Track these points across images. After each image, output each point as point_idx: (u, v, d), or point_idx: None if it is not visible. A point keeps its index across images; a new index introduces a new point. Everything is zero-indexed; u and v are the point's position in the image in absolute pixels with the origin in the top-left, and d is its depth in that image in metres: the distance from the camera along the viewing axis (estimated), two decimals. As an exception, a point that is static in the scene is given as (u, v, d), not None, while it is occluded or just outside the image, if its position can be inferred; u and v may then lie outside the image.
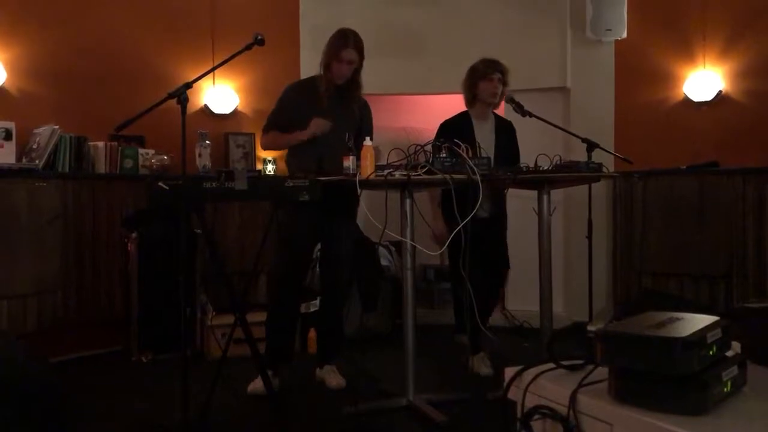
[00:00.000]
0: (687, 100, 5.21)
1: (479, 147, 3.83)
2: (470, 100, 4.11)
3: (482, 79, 4.01)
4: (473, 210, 3.11)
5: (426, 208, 3.88)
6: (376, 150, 3.31)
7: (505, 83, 4.04)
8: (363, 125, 3.76)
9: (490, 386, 3.59)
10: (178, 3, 5.28)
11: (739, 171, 4.66)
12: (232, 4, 5.43)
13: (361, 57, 3.65)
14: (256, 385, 3.48)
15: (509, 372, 1.80)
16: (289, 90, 3.75)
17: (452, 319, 4.33)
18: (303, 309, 4.34)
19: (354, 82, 3.69)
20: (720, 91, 5.11)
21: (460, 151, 3.20)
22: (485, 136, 4.04)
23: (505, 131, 4.17)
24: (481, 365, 4.04)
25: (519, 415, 1.70)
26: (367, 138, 3.27)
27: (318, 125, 3.54)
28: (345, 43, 3.59)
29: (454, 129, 3.94)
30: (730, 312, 1.77)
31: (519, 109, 3.98)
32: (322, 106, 3.63)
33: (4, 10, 4.55)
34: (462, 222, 3.10)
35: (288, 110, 3.70)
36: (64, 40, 4.76)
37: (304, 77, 4.10)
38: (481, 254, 3.85)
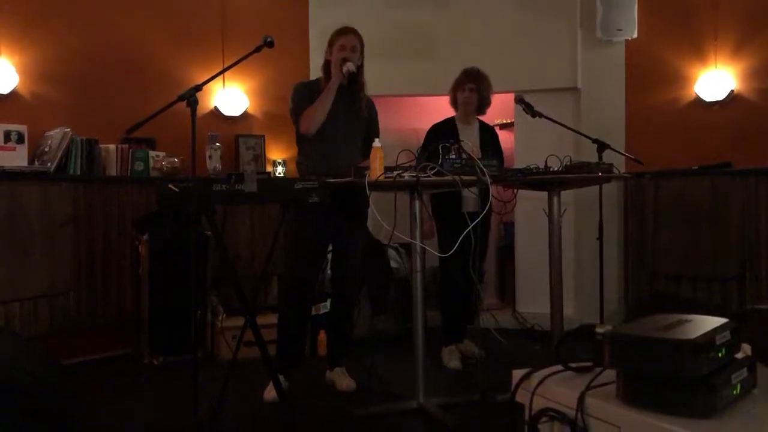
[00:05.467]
0: (698, 100, 5.18)
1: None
2: (454, 106, 4.38)
3: (457, 89, 4.31)
4: (482, 212, 3.12)
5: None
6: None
7: (479, 91, 4.26)
8: (371, 126, 3.76)
9: (500, 388, 3.57)
10: (188, 6, 5.31)
11: (751, 171, 4.61)
12: (242, 7, 5.45)
13: (362, 50, 3.66)
14: (272, 392, 3.44)
15: (517, 374, 1.79)
16: (301, 88, 3.72)
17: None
18: (313, 311, 4.34)
19: (358, 81, 3.69)
20: (732, 91, 5.08)
21: (470, 153, 3.19)
22: (469, 139, 4.11)
23: (488, 135, 4.38)
24: (452, 359, 4.20)
25: (527, 418, 1.69)
26: (376, 139, 3.27)
27: (338, 69, 3.50)
28: (344, 31, 3.62)
29: (441, 132, 4.16)
30: (740, 314, 1.75)
31: (529, 109, 3.98)
32: (330, 109, 3.62)
33: (16, 15, 4.58)
34: (471, 223, 3.10)
35: (306, 99, 3.64)
36: (75, 43, 4.79)
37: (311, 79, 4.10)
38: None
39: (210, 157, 4.86)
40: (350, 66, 3.50)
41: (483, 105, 4.30)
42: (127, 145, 4.80)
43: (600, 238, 4.55)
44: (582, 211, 5.22)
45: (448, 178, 3.08)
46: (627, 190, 5.15)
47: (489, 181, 3.11)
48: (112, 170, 4.73)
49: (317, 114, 3.55)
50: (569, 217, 4.78)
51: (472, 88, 4.25)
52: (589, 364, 1.73)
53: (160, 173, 4.81)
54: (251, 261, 4.81)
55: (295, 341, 3.75)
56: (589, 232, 4.82)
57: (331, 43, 3.64)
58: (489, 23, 5.57)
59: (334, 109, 3.60)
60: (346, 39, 3.60)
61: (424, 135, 4.33)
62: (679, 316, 1.62)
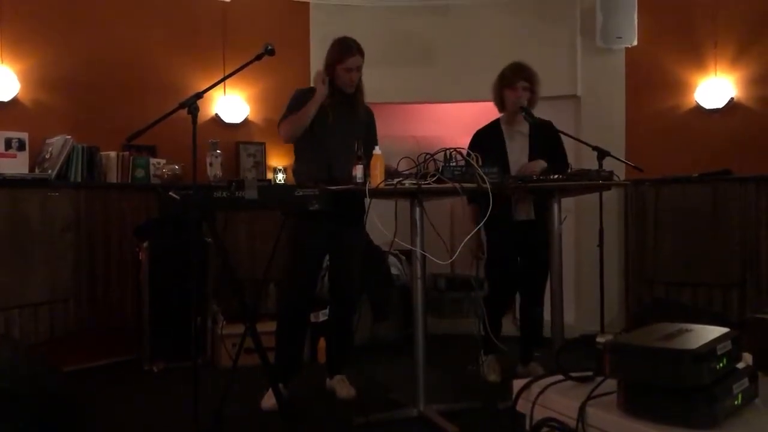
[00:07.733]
0: (698, 108, 5.18)
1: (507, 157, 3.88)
2: (500, 107, 4.11)
3: (507, 87, 4.00)
4: (485, 216, 3.11)
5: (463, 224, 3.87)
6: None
7: (533, 91, 3.98)
8: (369, 133, 3.76)
9: (501, 395, 3.57)
10: (189, 14, 5.32)
11: (751, 179, 4.61)
12: (243, 15, 5.46)
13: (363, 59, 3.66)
14: (270, 401, 3.43)
15: (518, 384, 1.79)
16: (299, 93, 3.72)
17: (464, 328, 4.28)
18: (312, 318, 4.35)
19: (358, 88, 3.69)
20: (732, 98, 5.08)
21: (471, 161, 3.19)
22: (517, 143, 4.05)
23: (542, 133, 4.03)
24: (491, 371, 4.06)
25: (527, 427, 1.69)
26: (377, 147, 3.28)
27: (318, 80, 3.50)
28: (350, 51, 3.58)
29: (486, 139, 4.01)
30: (741, 323, 1.75)
31: (529, 117, 3.97)
32: (327, 117, 3.61)
33: (17, 22, 4.59)
34: (476, 227, 3.10)
35: (302, 105, 3.62)
36: (76, 51, 4.79)
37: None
38: (526, 257, 4.05)
39: (210, 164, 4.83)
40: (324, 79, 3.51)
41: (533, 104, 3.98)
42: (127, 153, 4.80)
43: (600, 245, 4.54)
44: (582, 219, 5.22)
45: (449, 185, 3.08)
46: (627, 197, 5.15)
47: (489, 188, 3.11)
48: (113, 177, 4.73)
49: (295, 124, 3.57)
50: (569, 224, 4.78)
51: (525, 86, 3.93)
52: (589, 373, 1.73)
53: (161, 180, 4.81)
54: (251, 267, 4.80)
55: (293, 349, 3.74)
56: (589, 239, 4.80)
57: (334, 60, 3.59)
58: (488, 31, 5.58)
59: (332, 117, 3.61)
60: (353, 61, 3.57)
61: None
62: (680, 325, 1.62)
